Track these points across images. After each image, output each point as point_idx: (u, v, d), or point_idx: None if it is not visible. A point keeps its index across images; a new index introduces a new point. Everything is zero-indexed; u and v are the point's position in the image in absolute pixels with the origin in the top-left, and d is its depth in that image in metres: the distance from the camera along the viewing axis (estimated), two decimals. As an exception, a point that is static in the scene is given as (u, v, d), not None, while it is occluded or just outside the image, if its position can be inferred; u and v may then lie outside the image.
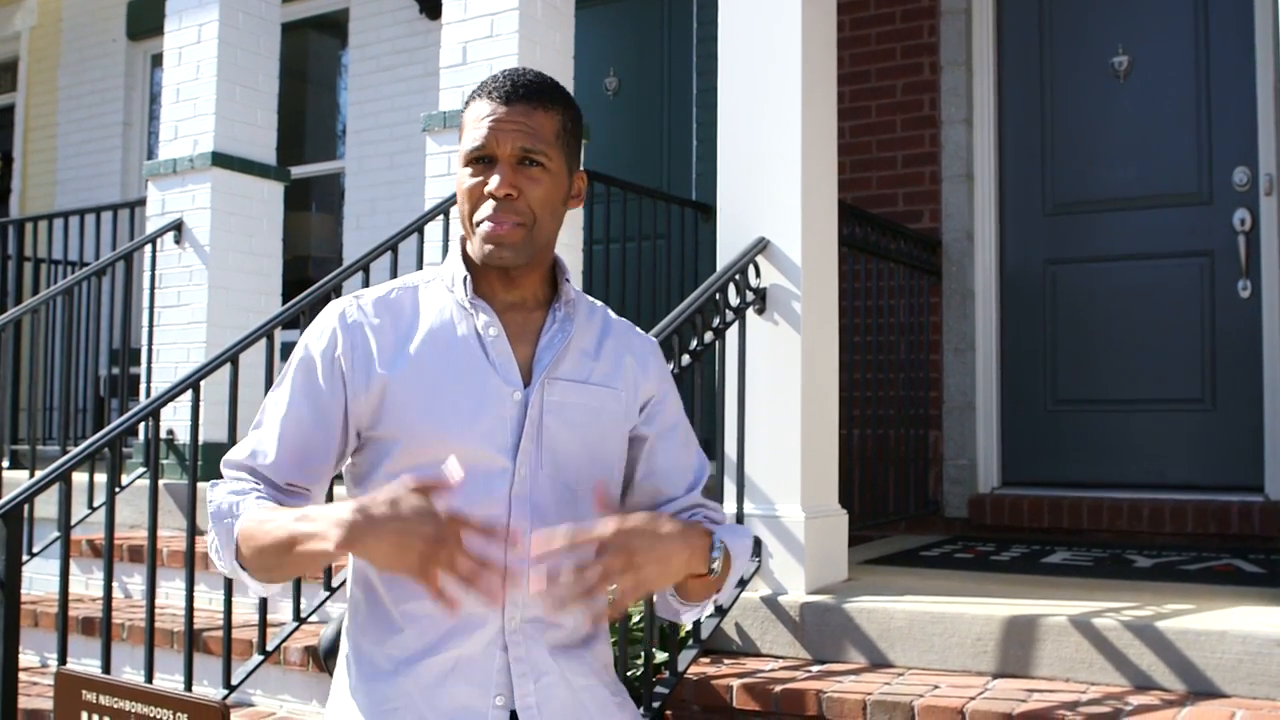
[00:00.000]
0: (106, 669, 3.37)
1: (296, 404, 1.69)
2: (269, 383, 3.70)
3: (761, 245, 3.58)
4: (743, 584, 3.47)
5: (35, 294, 6.35)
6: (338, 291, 3.87)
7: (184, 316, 5.44)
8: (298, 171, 6.75)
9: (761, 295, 3.59)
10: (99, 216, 6.29)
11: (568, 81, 4.74)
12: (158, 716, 1.72)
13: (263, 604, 3.52)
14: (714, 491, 3.56)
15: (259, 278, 5.64)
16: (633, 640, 3.21)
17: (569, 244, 4.67)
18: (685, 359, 3.34)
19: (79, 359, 6.04)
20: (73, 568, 4.44)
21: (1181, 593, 3.49)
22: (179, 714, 1.70)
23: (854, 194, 5.34)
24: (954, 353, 5.35)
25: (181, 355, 5.38)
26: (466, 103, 1.73)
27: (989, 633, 3.15)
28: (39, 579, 4.74)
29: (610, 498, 1.64)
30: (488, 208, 1.66)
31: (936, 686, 3.01)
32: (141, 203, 5.88)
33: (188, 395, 3.58)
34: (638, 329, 1.87)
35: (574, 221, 4.73)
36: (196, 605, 3.62)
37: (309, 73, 7.84)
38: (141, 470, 4.95)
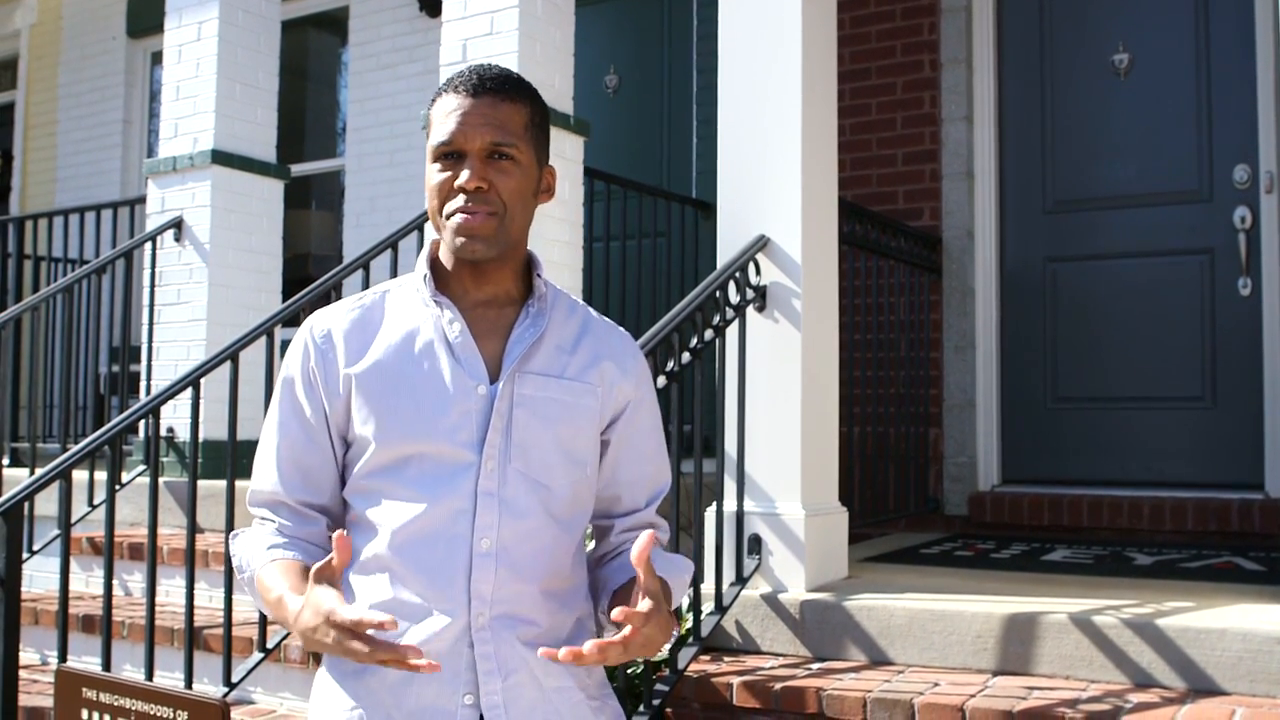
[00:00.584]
0: (107, 666, 3.38)
1: (286, 424, 1.73)
2: (269, 380, 3.71)
3: (762, 243, 3.58)
4: (743, 581, 3.47)
5: (35, 292, 6.35)
6: (338, 289, 3.87)
7: (184, 314, 5.44)
8: (298, 169, 6.75)
9: (762, 293, 3.59)
10: (99, 214, 6.29)
11: (567, 79, 4.74)
12: (158, 714, 1.72)
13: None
14: (714, 490, 3.56)
15: (259, 275, 5.64)
16: (633, 638, 3.20)
17: (568, 241, 4.67)
18: (685, 357, 3.33)
19: (79, 357, 6.04)
20: (73, 565, 4.44)
21: (1182, 590, 3.49)
22: (179, 712, 1.70)
23: (854, 192, 5.34)
24: (954, 350, 5.34)
25: (181, 353, 5.38)
26: (433, 100, 1.72)
27: (989, 630, 3.15)
28: (39, 577, 4.74)
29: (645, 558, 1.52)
30: (458, 202, 1.66)
31: (936, 684, 3.01)
32: (141, 200, 5.88)
33: (188, 393, 3.58)
34: (620, 329, 1.85)
35: (573, 219, 4.73)
36: (197, 603, 3.63)
37: (309, 70, 7.84)
38: (142, 468, 4.95)
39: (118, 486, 3.61)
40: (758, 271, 3.59)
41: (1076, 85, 5.27)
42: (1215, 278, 4.94)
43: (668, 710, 3.17)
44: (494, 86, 1.68)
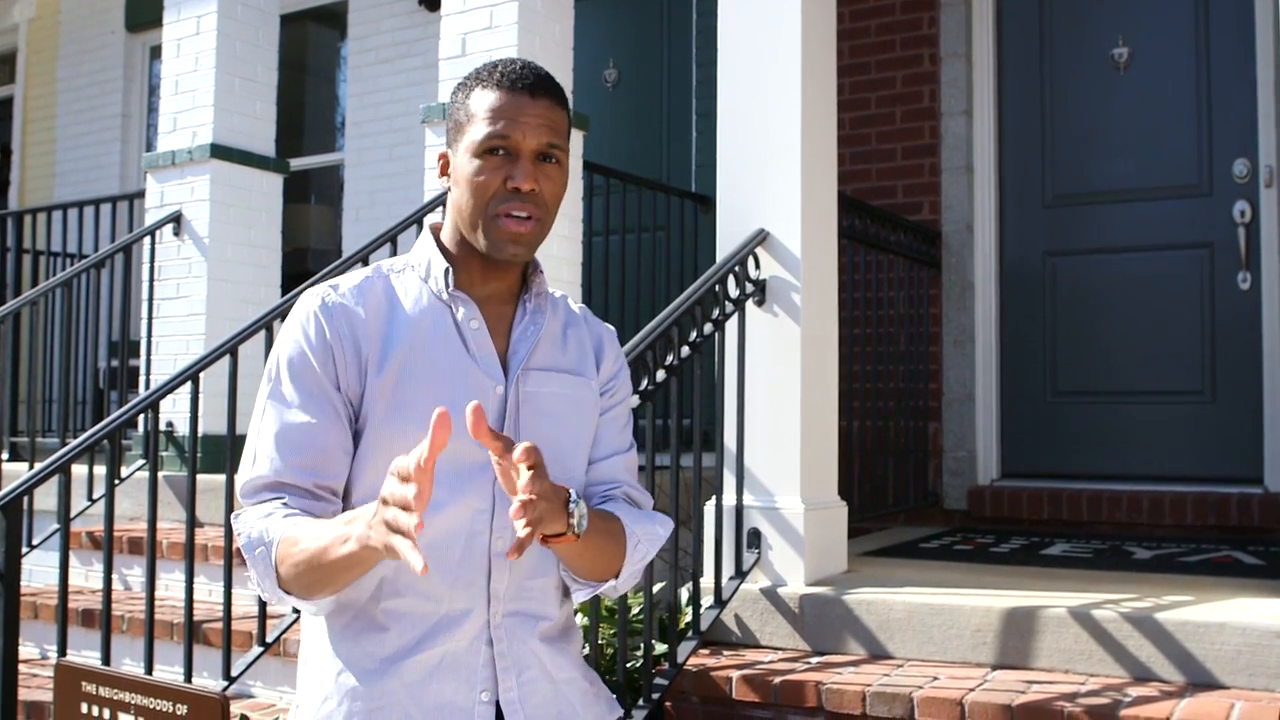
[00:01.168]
0: (106, 661, 3.38)
1: (298, 401, 1.61)
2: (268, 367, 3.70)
3: (761, 237, 3.58)
4: (742, 575, 3.47)
5: (34, 286, 6.34)
6: (337, 284, 3.86)
7: (183, 308, 5.44)
8: (297, 163, 6.74)
9: (761, 287, 3.59)
10: (98, 208, 6.28)
11: (567, 73, 4.74)
12: (158, 708, 1.72)
13: (262, 596, 3.51)
14: (713, 484, 3.56)
15: (258, 269, 5.63)
16: (632, 632, 3.21)
17: (568, 235, 4.67)
18: (685, 351, 3.33)
19: (78, 351, 6.04)
20: (72, 560, 4.44)
21: (1181, 584, 3.49)
22: (179, 705, 1.70)
23: (853, 186, 5.34)
24: (953, 344, 5.34)
25: (181, 347, 5.38)
26: (468, 90, 1.67)
27: (988, 624, 3.15)
28: (39, 571, 4.74)
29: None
30: (507, 202, 1.62)
31: (936, 678, 3.02)
32: (140, 195, 5.87)
33: (187, 387, 3.58)
34: (593, 315, 1.86)
35: (573, 213, 4.73)
36: (196, 597, 3.63)
37: (308, 65, 7.83)
38: (141, 462, 4.95)
39: (117, 481, 3.61)
40: (757, 265, 3.59)
41: (1076, 79, 5.26)
42: (1215, 272, 4.94)
43: (667, 704, 3.17)
44: (548, 87, 1.66)
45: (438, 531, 1.60)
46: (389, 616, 1.62)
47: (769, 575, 3.50)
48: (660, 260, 5.49)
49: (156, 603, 3.51)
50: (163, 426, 4.97)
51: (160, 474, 3.82)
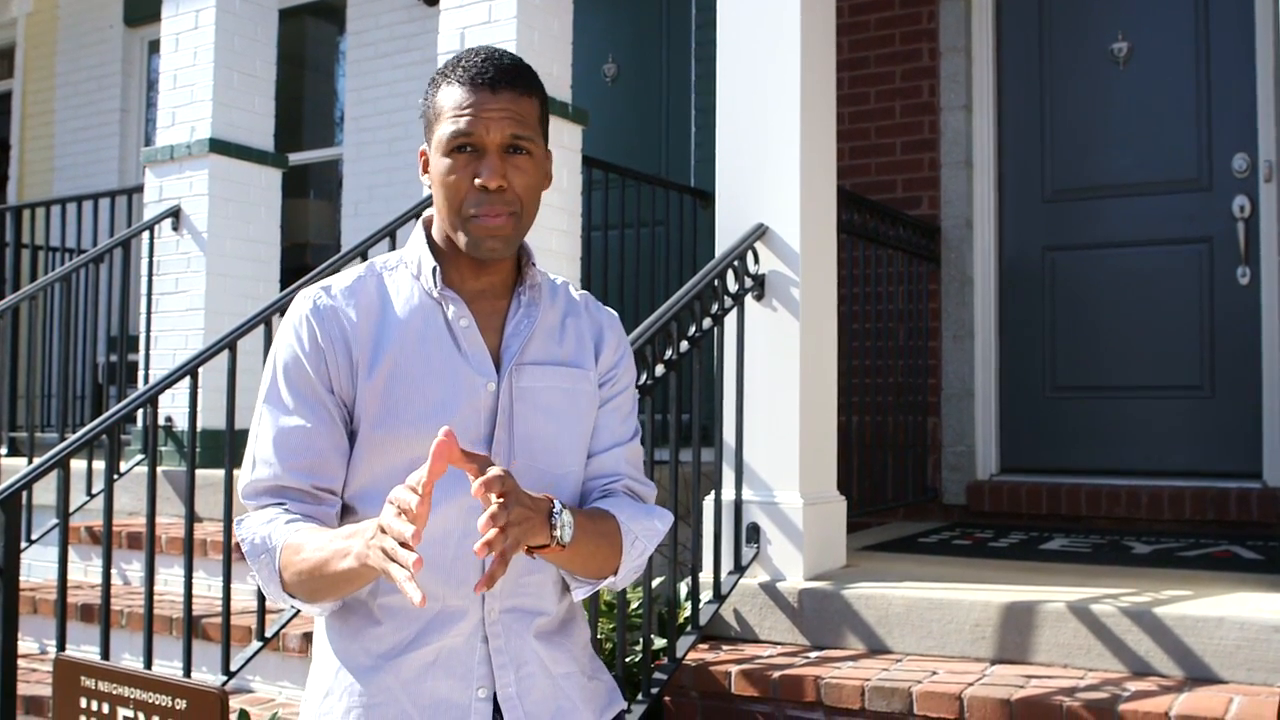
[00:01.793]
0: (105, 655, 3.38)
1: (293, 405, 1.62)
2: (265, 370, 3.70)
3: (760, 231, 3.58)
4: (741, 570, 3.47)
5: (33, 281, 6.34)
6: (336, 278, 3.86)
7: (182, 303, 5.44)
8: (296, 158, 6.74)
9: (760, 281, 3.59)
10: (96, 203, 6.27)
11: (566, 68, 4.73)
12: (157, 703, 1.72)
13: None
14: (712, 479, 3.56)
15: (257, 264, 5.63)
16: (631, 626, 3.21)
17: (567, 230, 4.67)
18: (684, 345, 3.33)
19: (77, 346, 6.03)
20: (71, 555, 4.44)
21: (1179, 579, 3.49)
22: (178, 700, 1.70)
23: (853, 180, 5.33)
24: (953, 339, 5.34)
25: (180, 342, 5.38)
26: (436, 87, 1.66)
27: (987, 619, 3.16)
28: (38, 566, 4.74)
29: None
30: (478, 201, 1.61)
31: (935, 672, 3.02)
32: (139, 189, 5.87)
33: (186, 382, 3.58)
34: (596, 301, 1.83)
35: (572, 208, 4.72)
36: (195, 592, 3.63)
37: (307, 59, 7.82)
38: (140, 457, 4.95)
39: (116, 475, 3.61)
40: (756, 260, 3.59)
41: (1075, 74, 5.26)
42: (1214, 267, 4.94)
43: (666, 699, 3.17)
44: (511, 80, 1.63)
45: (431, 530, 1.59)
46: (385, 613, 1.62)
47: (768, 570, 3.51)
48: (659, 255, 5.48)
49: (156, 598, 3.51)
50: (162, 421, 4.98)
51: (159, 469, 3.82)
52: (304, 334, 1.64)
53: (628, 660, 3.12)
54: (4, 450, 5.55)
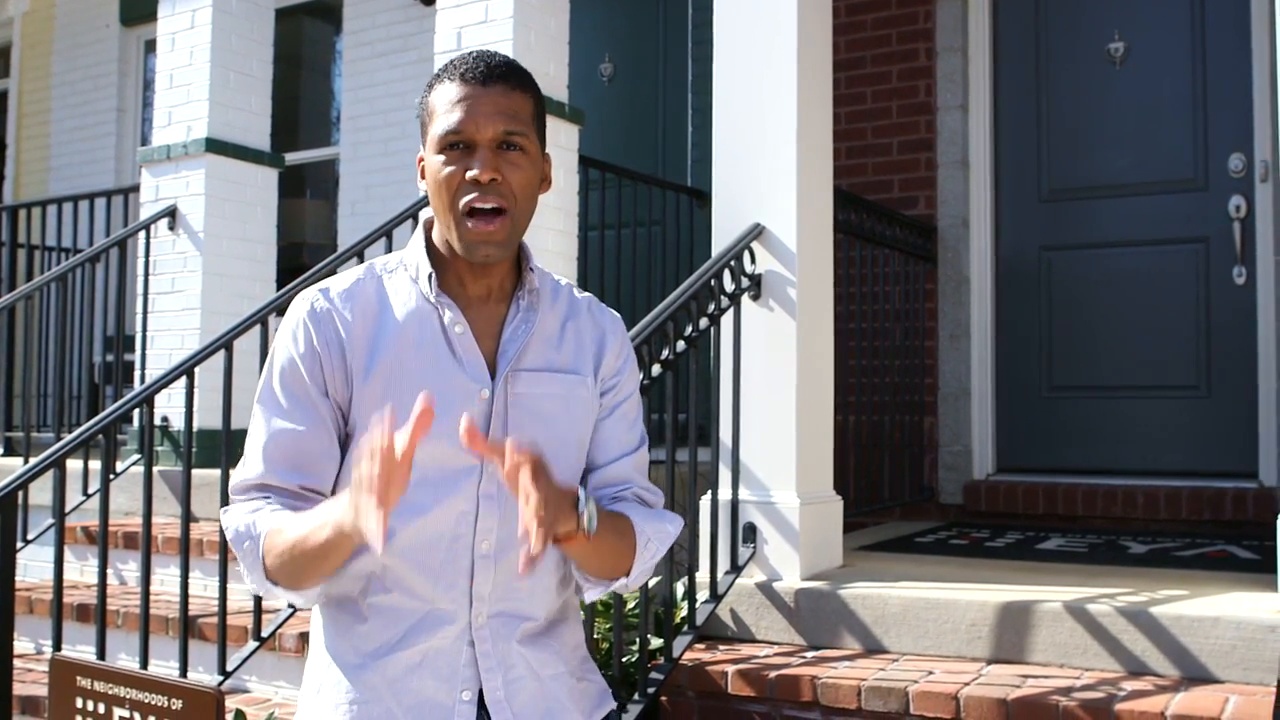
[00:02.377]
0: (101, 655, 3.37)
1: (286, 408, 1.64)
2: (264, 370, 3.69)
3: (757, 231, 3.58)
4: (738, 570, 3.47)
5: (29, 280, 6.33)
6: (332, 278, 3.85)
7: (178, 303, 5.43)
8: (292, 158, 6.73)
9: (757, 281, 3.59)
10: (93, 203, 6.27)
11: (562, 67, 4.73)
12: (153, 703, 1.72)
13: (258, 590, 3.51)
14: (709, 478, 3.56)
15: (253, 264, 5.62)
16: (628, 626, 3.21)
17: (563, 230, 4.67)
18: (680, 345, 3.33)
19: (73, 346, 6.02)
20: (67, 554, 4.43)
21: (1175, 579, 3.50)
22: (174, 700, 1.70)
23: (849, 180, 5.33)
24: (949, 339, 5.35)
25: (176, 342, 5.37)
26: (430, 89, 1.67)
27: (983, 619, 3.16)
28: (34, 566, 4.74)
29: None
30: (470, 195, 1.61)
31: (931, 672, 3.02)
32: (135, 189, 5.86)
33: (182, 382, 3.57)
34: (600, 304, 1.81)
35: (568, 208, 4.72)
36: (191, 592, 3.63)
37: (303, 59, 7.82)
38: (136, 457, 4.94)
39: (112, 475, 3.60)
40: (753, 260, 3.59)
41: (1072, 74, 5.26)
42: (1210, 267, 4.94)
43: (663, 698, 3.17)
44: (503, 74, 1.64)
45: (422, 534, 1.60)
46: (374, 611, 1.62)
47: (764, 570, 3.51)
48: (656, 255, 5.48)
49: (152, 598, 3.51)
50: (158, 421, 4.97)
51: (155, 469, 3.82)
52: (300, 337, 1.65)
53: (624, 660, 3.12)
54: (0, 450, 5.54)
